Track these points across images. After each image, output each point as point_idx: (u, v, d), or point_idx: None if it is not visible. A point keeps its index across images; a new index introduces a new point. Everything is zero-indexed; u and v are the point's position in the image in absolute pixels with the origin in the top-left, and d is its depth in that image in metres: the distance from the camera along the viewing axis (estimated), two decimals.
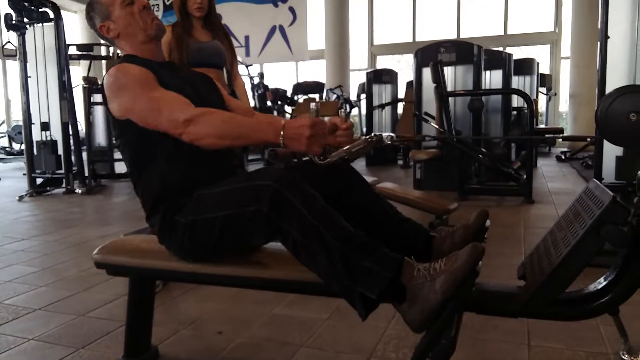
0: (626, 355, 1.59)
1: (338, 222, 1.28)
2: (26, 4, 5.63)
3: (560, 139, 9.51)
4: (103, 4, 1.58)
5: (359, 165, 8.06)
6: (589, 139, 7.40)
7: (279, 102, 9.32)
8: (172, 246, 1.50)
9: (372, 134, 1.49)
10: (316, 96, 10.13)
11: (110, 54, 6.87)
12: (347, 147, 1.41)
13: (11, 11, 5.58)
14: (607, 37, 3.18)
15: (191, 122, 1.36)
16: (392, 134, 1.54)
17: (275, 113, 9.42)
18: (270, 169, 1.36)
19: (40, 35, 5.79)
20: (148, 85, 1.45)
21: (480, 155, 4.85)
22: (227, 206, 1.36)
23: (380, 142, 1.49)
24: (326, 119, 1.51)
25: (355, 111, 10.54)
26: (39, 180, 5.96)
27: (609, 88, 2.95)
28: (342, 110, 1.91)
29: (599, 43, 3.23)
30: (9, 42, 5.86)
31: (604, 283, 1.24)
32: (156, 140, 1.46)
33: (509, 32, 11.53)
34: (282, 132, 1.30)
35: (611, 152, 3.39)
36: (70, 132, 5.84)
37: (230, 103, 1.79)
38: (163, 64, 1.64)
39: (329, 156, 1.38)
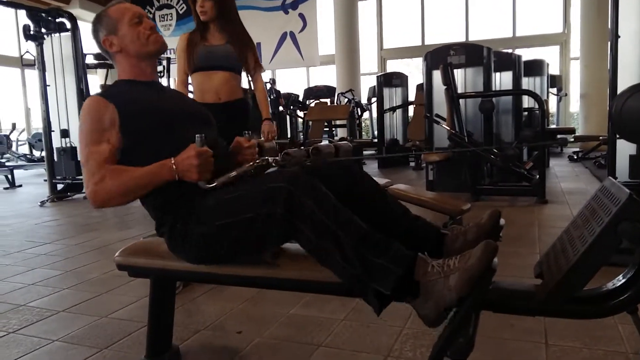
0: None
1: (351, 220, 1.30)
2: (44, 14, 5.77)
3: (572, 139, 9.46)
4: (112, 18, 1.64)
5: (371, 167, 8.08)
6: (601, 138, 7.36)
7: (291, 107, 9.38)
8: (185, 254, 1.53)
9: (260, 159, 1.63)
10: (327, 100, 10.18)
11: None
12: (234, 172, 1.53)
13: (29, 22, 5.70)
14: (617, 36, 3.18)
15: (93, 196, 1.48)
16: (277, 158, 1.67)
17: (287, 118, 9.49)
18: (283, 171, 1.40)
19: (57, 45, 5.92)
20: (93, 135, 1.52)
21: (492, 156, 4.85)
22: (241, 211, 1.39)
23: (268, 165, 1.60)
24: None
25: (366, 114, 10.57)
26: (59, 186, 6.09)
27: (621, 87, 2.95)
28: (246, 132, 2.02)
29: (609, 42, 3.24)
30: (27, 52, 5.98)
31: (623, 281, 1.23)
32: (152, 155, 1.50)
33: (517, 34, 11.50)
34: (174, 167, 1.44)
35: (624, 151, 3.38)
36: None
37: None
38: (149, 83, 1.71)
39: (215, 181, 1.49)
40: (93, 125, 1.54)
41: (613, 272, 1.28)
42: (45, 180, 6.32)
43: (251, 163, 1.58)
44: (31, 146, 10.40)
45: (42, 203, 5.65)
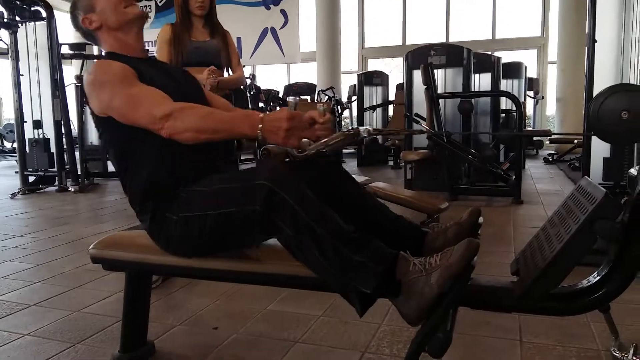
0: (617, 352, 1.61)
1: (331, 218, 1.29)
2: (18, 2, 5.60)
3: (547, 142, 9.63)
4: None
5: (350, 165, 8.09)
6: (576, 141, 7.51)
7: (272, 103, 9.34)
8: (163, 243, 1.50)
9: (350, 128, 1.51)
10: (307, 98, 10.16)
11: (103, 53, 6.85)
12: (324, 140, 1.43)
13: (3, 9, 5.55)
14: (594, 40, 3.25)
15: (170, 117, 1.37)
16: (369, 128, 1.55)
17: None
18: (264, 167, 1.37)
19: (32, 34, 5.79)
20: (127, 81, 1.46)
21: (469, 156, 4.91)
22: (221, 204, 1.37)
23: (357, 135, 1.50)
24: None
25: (346, 112, 10.58)
26: (31, 179, 5.95)
27: (596, 91, 3.01)
28: (321, 105, 1.89)
29: (586, 47, 3.30)
30: (0, 40, 5.82)
31: (597, 278, 1.25)
32: (140, 136, 1.46)
33: (496, 37, 11.65)
34: (260, 125, 1.33)
35: (599, 154, 3.47)
36: (63, 131, 5.84)
37: (210, 99, 1.81)
38: (145, 60, 1.65)
39: (307, 149, 1.41)
40: (119, 73, 1.47)
41: (583, 272, 1.29)
42: (16, 172, 6.18)
43: (343, 131, 1.50)
44: (2, 137, 10.15)
45: (13, 195, 5.51)
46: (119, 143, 1.52)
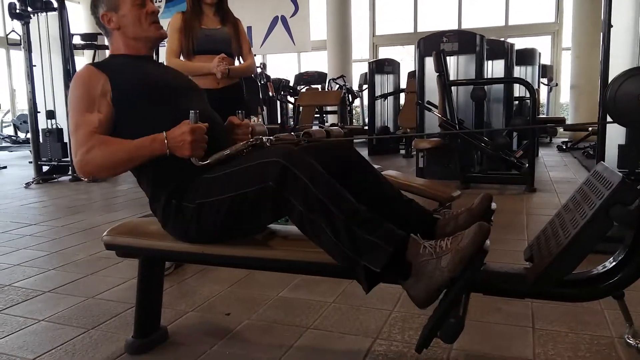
0: (631, 339, 1.60)
1: (343, 196, 1.30)
2: None
3: (561, 129, 9.52)
4: None
5: (361, 154, 8.05)
6: (590, 129, 7.41)
7: (282, 93, 9.32)
8: (177, 232, 1.52)
9: (254, 138, 1.57)
10: (318, 86, 10.12)
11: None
12: (227, 150, 1.49)
13: (15, 0, 5.58)
14: (610, 25, 3.18)
15: (81, 166, 1.46)
16: (271, 138, 1.61)
17: (278, 103, 9.44)
18: (277, 148, 1.38)
19: (44, 25, 5.83)
20: (84, 106, 1.51)
21: (482, 144, 4.86)
22: (234, 187, 1.39)
23: (261, 145, 1.55)
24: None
25: (357, 101, 10.54)
26: (45, 168, 6.03)
27: (612, 77, 2.95)
28: (240, 112, 1.95)
29: (602, 32, 3.24)
30: (13, 31, 5.86)
31: (613, 264, 1.24)
32: (142, 127, 1.49)
33: (510, 23, 11.49)
34: (166, 142, 1.42)
35: (614, 140, 3.40)
36: None
37: None
38: (143, 57, 1.70)
39: (209, 158, 1.46)
40: (84, 94, 1.52)
41: (598, 260, 1.28)
42: (30, 162, 6.25)
43: (245, 142, 1.55)
44: (16, 127, 10.25)
45: (28, 185, 5.58)
46: (124, 136, 1.53)
